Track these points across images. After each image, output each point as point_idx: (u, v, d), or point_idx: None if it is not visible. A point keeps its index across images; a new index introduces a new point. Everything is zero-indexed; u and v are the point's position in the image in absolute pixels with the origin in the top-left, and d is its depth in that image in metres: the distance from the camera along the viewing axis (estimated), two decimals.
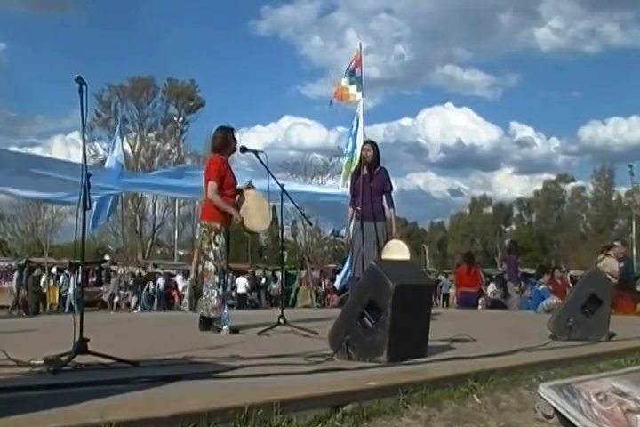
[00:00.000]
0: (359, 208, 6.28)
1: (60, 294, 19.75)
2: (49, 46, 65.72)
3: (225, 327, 4.90)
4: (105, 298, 20.09)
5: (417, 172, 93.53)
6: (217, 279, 5.06)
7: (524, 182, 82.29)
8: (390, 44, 76.38)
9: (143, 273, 21.59)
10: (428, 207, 74.94)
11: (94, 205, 8.47)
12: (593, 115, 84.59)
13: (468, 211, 63.59)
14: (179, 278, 20.44)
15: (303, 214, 5.55)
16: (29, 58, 63.10)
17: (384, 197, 6.47)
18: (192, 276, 5.24)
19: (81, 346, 2.98)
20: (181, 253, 39.97)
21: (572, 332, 4.50)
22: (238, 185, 5.40)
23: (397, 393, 2.69)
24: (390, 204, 6.55)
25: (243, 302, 21.12)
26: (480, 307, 12.88)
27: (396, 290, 3.27)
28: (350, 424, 2.42)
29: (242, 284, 21.97)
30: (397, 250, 6.14)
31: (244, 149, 5.28)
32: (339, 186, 10.15)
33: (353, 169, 7.37)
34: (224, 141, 5.34)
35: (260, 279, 24.14)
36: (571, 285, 11.31)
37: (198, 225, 5.29)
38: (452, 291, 20.72)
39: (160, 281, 19.71)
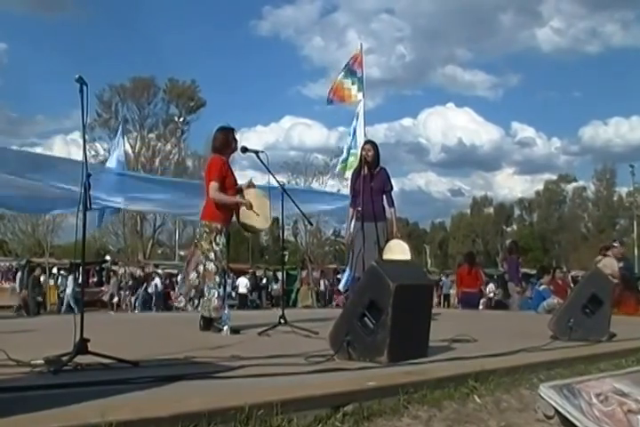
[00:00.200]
0: (360, 208, 6.27)
1: (58, 295, 19.77)
2: (49, 46, 65.95)
3: (225, 328, 4.89)
4: (105, 298, 20.11)
5: (418, 172, 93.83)
6: (217, 279, 5.05)
7: (525, 182, 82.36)
8: (391, 45, 76.68)
9: (141, 273, 21.57)
10: (429, 207, 75.02)
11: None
12: (594, 115, 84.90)
13: (469, 211, 63.59)
14: (179, 278, 20.43)
15: (304, 215, 5.53)
16: (30, 58, 63.43)
17: (384, 196, 6.47)
18: (192, 275, 5.21)
19: (81, 346, 2.98)
20: (182, 253, 39.95)
21: (572, 332, 4.49)
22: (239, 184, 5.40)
23: (398, 393, 2.69)
24: (391, 203, 6.55)
25: (244, 302, 21.13)
26: (481, 307, 12.88)
27: (396, 290, 3.27)
28: (351, 425, 2.42)
29: (243, 284, 21.98)
30: (398, 250, 6.14)
31: (244, 150, 5.28)
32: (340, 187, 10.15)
33: (353, 169, 7.36)
34: (224, 142, 5.33)
35: (261, 279, 24.16)
36: (572, 285, 11.32)
37: (199, 225, 5.28)
38: (452, 291, 20.71)
39: (157, 281, 19.67)
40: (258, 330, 4.82)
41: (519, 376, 3.27)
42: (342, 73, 10.65)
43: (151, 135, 41.35)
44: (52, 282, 20.24)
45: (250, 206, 5.19)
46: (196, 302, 5.13)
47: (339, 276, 23.97)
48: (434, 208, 74.86)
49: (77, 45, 65.74)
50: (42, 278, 18.75)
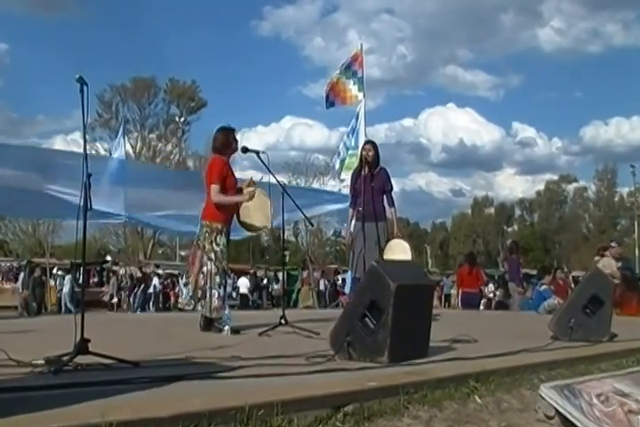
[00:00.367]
0: (360, 208, 6.27)
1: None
2: (50, 47, 65.92)
3: (226, 328, 4.89)
4: (106, 299, 20.11)
5: (419, 172, 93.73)
6: (218, 280, 5.05)
7: (526, 183, 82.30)
8: (392, 45, 76.53)
9: (139, 274, 21.53)
10: (430, 208, 74.98)
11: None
12: (595, 115, 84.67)
13: (469, 211, 63.52)
14: (184, 282, 20.38)
15: (305, 215, 5.52)
16: (30, 58, 63.39)
17: (385, 196, 6.47)
18: (200, 277, 5.20)
19: (82, 346, 2.98)
20: (183, 253, 39.97)
21: (573, 332, 4.49)
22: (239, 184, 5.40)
23: (398, 394, 2.69)
24: (391, 203, 6.55)
25: (245, 302, 21.12)
26: (481, 308, 12.87)
27: (397, 290, 3.27)
28: (351, 425, 2.42)
29: (244, 284, 21.97)
30: (399, 249, 6.14)
31: (245, 150, 5.27)
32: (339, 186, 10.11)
33: (352, 169, 7.35)
34: (225, 142, 5.33)
35: (262, 280, 24.17)
36: (573, 285, 11.31)
37: (199, 225, 5.28)
38: (453, 291, 20.71)
39: (156, 281, 19.64)
40: (258, 330, 4.82)
41: (520, 377, 3.27)
42: (340, 72, 10.65)
43: (152, 135, 41.35)
44: (52, 282, 20.22)
45: (251, 198, 5.18)
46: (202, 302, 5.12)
47: (339, 276, 24.01)
48: (435, 208, 74.96)
49: (78, 45, 65.84)
50: (42, 279, 18.77)
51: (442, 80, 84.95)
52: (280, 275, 21.60)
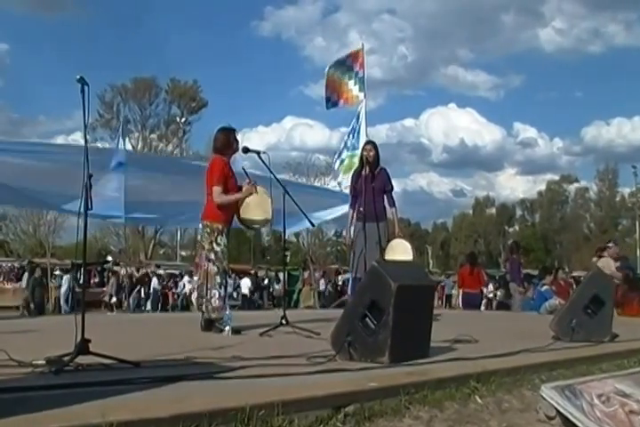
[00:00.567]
0: (362, 208, 6.26)
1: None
2: (50, 47, 66.04)
3: (227, 328, 4.89)
4: (107, 299, 20.10)
5: (420, 172, 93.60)
6: (218, 280, 5.05)
7: (527, 183, 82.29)
8: (393, 45, 76.78)
9: (136, 274, 21.50)
10: (431, 208, 74.93)
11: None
12: (596, 115, 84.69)
13: (471, 211, 63.51)
14: (186, 280, 20.40)
15: (305, 215, 5.52)
16: (31, 58, 63.38)
17: (385, 197, 6.47)
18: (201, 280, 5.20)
19: (82, 347, 2.98)
20: (184, 253, 40.04)
21: (574, 333, 4.49)
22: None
23: (399, 394, 2.69)
24: (392, 203, 6.55)
25: (247, 303, 21.12)
26: (483, 308, 12.86)
27: (397, 290, 3.27)
28: (352, 425, 2.42)
29: (246, 285, 21.96)
30: (401, 249, 6.13)
31: (246, 150, 5.27)
32: (340, 186, 10.07)
33: (352, 169, 7.34)
34: (226, 142, 5.33)
35: (263, 280, 24.17)
36: (574, 286, 11.31)
37: (200, 226, 5.28)
38: (454, 292, 20.70)
39: (154, 282, 19.61)
40: (259, 331, 4.82)
41: (521, 377, 3.27)
42: (336, 69, 10.64)
43: (153, 136, 41.41)
44: (52, 283, 20.22)
45: (255, 190, 5.18)
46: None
47: (340, 276, 24.01)
48: (436, 209, 74.95)
49: (78, 46, 65.97)
50: (43, 279, 18.76)
51: (443, 80, 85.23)
52: (281, 275, 21.59)
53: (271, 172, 5.21)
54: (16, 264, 26.29)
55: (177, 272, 23.96)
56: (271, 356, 3.36)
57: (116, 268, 23.90)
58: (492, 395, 2.98)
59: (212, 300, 5.01)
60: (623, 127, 65.77)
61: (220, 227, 5.12)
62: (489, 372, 3.16)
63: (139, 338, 4.91)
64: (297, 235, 38.57)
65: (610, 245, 9.88)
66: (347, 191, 7.94)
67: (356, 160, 9.08)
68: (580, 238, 52.47)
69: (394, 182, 6.67)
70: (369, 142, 6.95)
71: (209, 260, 5.06)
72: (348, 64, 10.65)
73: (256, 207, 5.24)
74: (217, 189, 5.09)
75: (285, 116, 75.77)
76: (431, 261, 53.36)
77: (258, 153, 5.23)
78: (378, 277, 3.39)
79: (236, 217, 5.29)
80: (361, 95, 10.45)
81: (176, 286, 21.07)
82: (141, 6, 71.01)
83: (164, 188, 8.16)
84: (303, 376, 2.83)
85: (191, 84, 43.79)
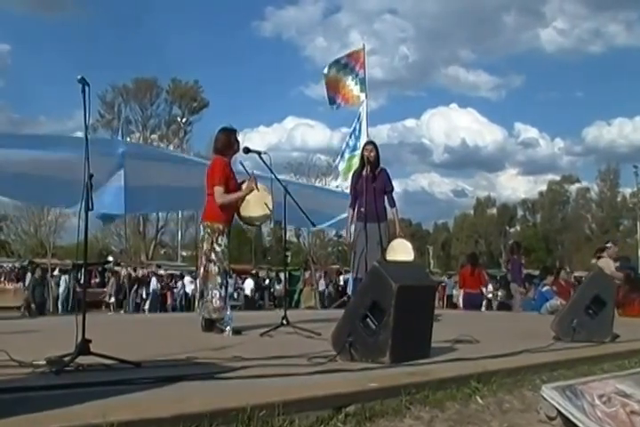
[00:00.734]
0: (363, 209, 6.26)
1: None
2: (51, 47, 66.04)
3: (228, 328, 4.89)
4: (107, 299, 20.11)
5: (421, 172, 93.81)
6: (219, 280, 5.05)
7: (528, 183, 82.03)
8: (394, 45, 76.87)
9: (133, 274, 21.45)
10: (432, 208, 74.88)
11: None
12: (597, 115, 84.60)
13: (472, 212, 63.50)
14: (187, 280, 20.38)
15: (307, 215, 5.51)
16: (32, 59, 63.37)
17: (386, 197, 6.47)
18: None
19: (83, 347, 2.98)
20: (185, 253, 40.04)
21: (575, 333, 4.48)
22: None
23: (400, 394, 2.68)
24: (392, 204, 6.55)
25: (250, 303, 21.10)
26: (483, 308, 12.84)
27: (398, 291, 3.27)
28: (353, 425, 2.42)
29: (249, 286, 21.95)
30: (402, 249, 6.13)
31: (247, 150, 5.27)
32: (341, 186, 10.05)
33: (354, 169, 7.34)
34: (227, 143, 5.32)
35: (264, 280, 24.18)
36: (577, 284, 11.29)
37: (201, 226, 5.28)
38: (455, 292, 20.67)
39: (153, 283, 19.57)
40: (260, 331, 4.81)
41: (522, 377, 3.26)
42: (337, 69, 10.65)
43: (154, 136, 41.48)
44: (52, 283, 20.22)
45: (256, 187, 5.18)
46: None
47: (341, 277, 24.00)
48: (437, 209, 74.96)
49: (79, 46, 65.99)
50: (44, 280, 18.76)
51: (444, 81, 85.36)
52: (282, 275, 21.60)
53: (272, 172, 5.21)
54: (17, 265, 26.33)
55: (177, 272, 23.95)
56: (272, 356, 3.36)
57: (116, 268, 23.91)
58: (493, 395, 2.98)
59: (213, 300, 5.01)
60: (624, 127, 65.77)
61: (221, 227, 5.12)
62: (490, 372, 3.15)
63: (139, 338, 4.91)
64: (298, 235, 38.66)
65: (609, 245, 9.88)
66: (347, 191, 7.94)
67: (355, 162, 9.08)
68: (582, 239, 52.45)
69: (395, 183, 6.69)
70: (369, 143, 6.95)
71: (210, 260, 5.06)
72: (347, 64, 10.66)
73: (256, 204, 5.24)
74: (219, 190, 5.09)
75: (286, 117, 76.00)
76: (432, 262, 53.36)
77: (259, 153, 5.22)
78: (379, 278, 3.38)
79: (236, 215, 5.30)
80: (362, 96, 10.46)
81: (173, 286, 20.99)
82: (142, 6, 71.18)
83: (165, 174, 8.08)
84: (304, 377, 2.83)
85: (192, 84, 43.88)
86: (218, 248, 5.07)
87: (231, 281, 15.10)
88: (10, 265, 27.07)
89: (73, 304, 17.92)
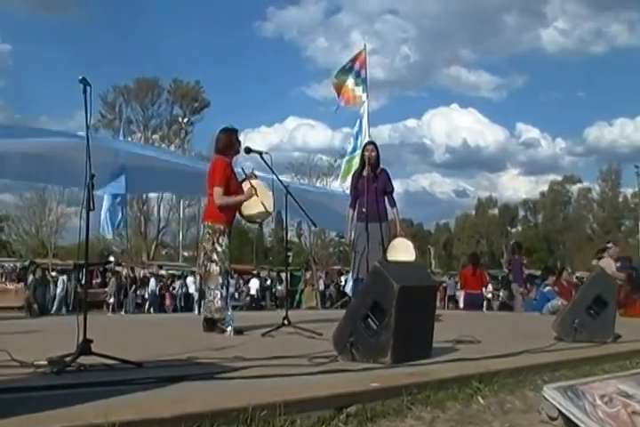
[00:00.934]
0: (364, 209, 6.25)
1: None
2: (51, 47, 66.10)
3: (229, 329, 4.89)
4: (108, 300, 20.09)
5: (422, 173, 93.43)
6: (220, 280, 5.05)
7: (529, 183, 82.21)
8: (395, 45, 76.97)
9: (131, 275, 21.42)
10: (434, 208, 74.96)
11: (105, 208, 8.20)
12: (599, 115, 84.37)
13: (473, 212, 63.54)
14: (189, 280, 20.36)
15: (308, 215, 5.51)
16: (33, 59, 63.44)
17: (386, 197, 6.46)
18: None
19: (85, 347, 2.98)
20: (186, 254, 40.04)
21: (577, 333, 4.48)
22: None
23: (401, 394, 2.68)
24: (393, 204, 6.54)
25: (254, 303, 21.09)
26: (484, 309, 12.83)
27: (400, 291, 3.27)
28: (354, 426, 2.42)
29: (254, 286, 21.94)
30: (403, 248, 6.12)
31: (248, 151, 5.27)
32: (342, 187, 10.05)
33: (354, 170, 7.34)
34: (228, 143, 5.32)
35: (266, 280, 24.18)
36: (579, 285, 11.27)
37: (202, 226, 5.28)
38: (456, 292, 20.67)
39: (152, 283, 19.55)
40: (261, 331, 4.82)
41: (523, 377, 3.26)
42: (346, 73, 10.65)
43: (155, 136, 41.50)
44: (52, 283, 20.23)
45: (255, 191, 5.18)
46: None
47: (343, 277, 24.01)
48: (438, 209, 75.08)
49: (79, 46, 66.03)
50: (44, 280, 18.76)
51: (445, 81, 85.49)
52: (283, 275, 21.60)
53: (273, 172, 5.21)
54: (18, 265, 26.35)
55: (179, 273, 23.95)
56: (273, 356, 3.36)
57: (117, 268, 23.91)
58: (495, 396, 2.98)
59: (215, 300, 5.01)
60: (626, 128, 65.73)
61: (222, 227, 5.12)
62: (491, 372, 3.15)
63: (141, 338, 4.91)
64: (299, 235, 38.68)
65: (609, 245, 9.88)
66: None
67: (354, 163, 9.08)
68: (583, 239, 52.43)
69: (396, 183, 6.69)
70: (370, 143, 6.95)
71: (211, 260, 5.07)
72: (351, 68, 10.67)
73: (256, 203, 5.24)
74: (218, 190, 5.09)
75: (288, 117, 76.03)
76: (433, 262, 53.37)
77: (260, 154, 5.22)
78: (380, 278, 3.38)
79: (238, 214, 5.30)
80: (364, 96, 10.46)
81: (172, 286, 20.97)
82: (142, 6, 71.19)
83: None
84: (305, 377, 2.83)
85: (193, 84, 43.90)
86: (219, 248, 5.07)
87: (232, 281, 15.12)
88: (11, 265, 27.11)
89: (74, 304, 17.91)
